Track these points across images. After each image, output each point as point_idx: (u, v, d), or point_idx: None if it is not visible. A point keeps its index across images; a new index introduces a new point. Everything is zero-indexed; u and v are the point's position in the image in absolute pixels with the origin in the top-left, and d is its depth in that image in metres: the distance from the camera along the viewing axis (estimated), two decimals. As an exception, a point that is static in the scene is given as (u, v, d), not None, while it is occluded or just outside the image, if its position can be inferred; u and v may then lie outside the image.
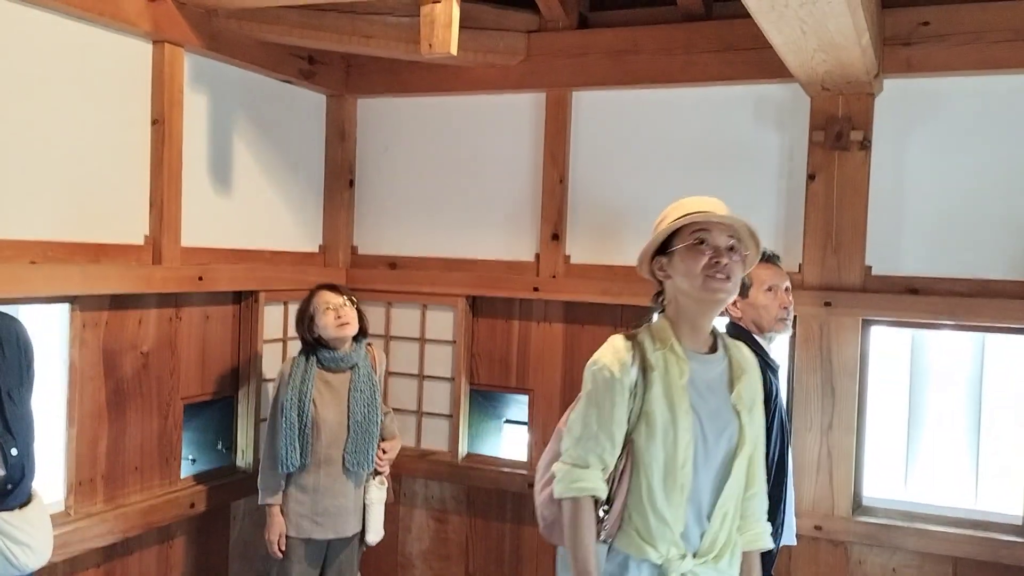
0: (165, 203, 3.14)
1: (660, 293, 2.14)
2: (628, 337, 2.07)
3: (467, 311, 3.93)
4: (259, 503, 3.17)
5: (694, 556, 2.00)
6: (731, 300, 2.07)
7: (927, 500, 3.35)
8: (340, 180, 4.12)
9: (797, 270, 3.36)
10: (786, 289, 2.71)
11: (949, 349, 3.38)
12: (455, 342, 3.96)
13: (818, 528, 3.29)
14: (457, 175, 3.98)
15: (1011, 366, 3.27)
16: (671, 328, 2.06)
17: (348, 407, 3.19)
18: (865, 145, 3.24)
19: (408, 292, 4.02)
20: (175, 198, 3.19)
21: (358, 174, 4.17)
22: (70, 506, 2.91)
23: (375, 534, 3.30)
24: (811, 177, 3.32)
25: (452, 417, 3.98)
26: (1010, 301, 3.06)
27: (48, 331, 2.88)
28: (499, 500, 3.91)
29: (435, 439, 4.02)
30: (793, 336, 3.33)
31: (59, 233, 2.82)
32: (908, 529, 3.22)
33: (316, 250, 4.08)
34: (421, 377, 4.05)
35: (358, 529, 3.26)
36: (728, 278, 1.96)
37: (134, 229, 3.09)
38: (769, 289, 2.67)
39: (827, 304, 3.27)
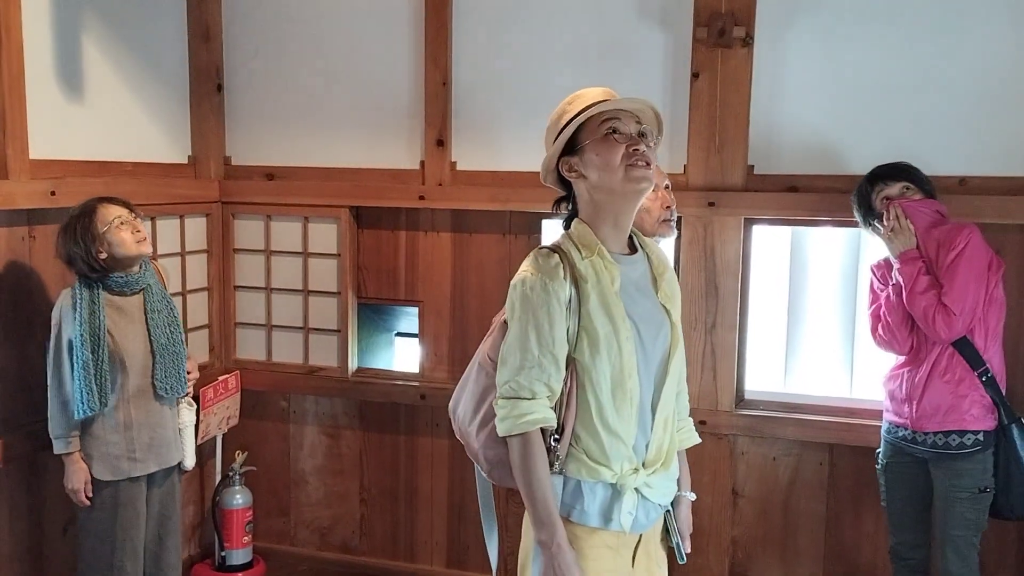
0: (7, 111, 2.87)
1: (563, 199, 2.02)
2: (553, 249, 1.91)
3: (351, 222, 3.80)
4: (55, 453, 2.83)
5: (644, 467, 1.91)
6: (651, 189, 1.97)
7: (805, 391, 3.49)
8: (207, 85, 3.85)
9: (682, 171, 3.36)
10: (667, 187, 2.54)
11: (827, 245, 3.47)
12: (340, 255, 3.83)
13: (703, 423, 3.38)
14: (335, 78, 3.78)
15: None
16: (593, 232, 1.93)
17: (148, 332, 2.89)
18: (747, 42, 3.21)
19: (288, 204, 3.85)
20: (19, 105, 2.91)
21: (227, 78, 3.90)
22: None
23: (191, 459, 3.09)
24: (695, 76, 3.29)
25: (340, 332, 3.88)
26: (884, 196, 3.13)
27: None
28: (392, 413, 3.87)
29: (324, 355, 3.92)
30: (679, 237, 3.35)
31: None
32: (787, 420, 3.35)
33: (185, 161, 3.83)
34: (306, 292, 3.92)
35: (181, 457, 3.04)
36: (648, 165, 1.85)
37: (-27, 141, 2.82)
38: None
39: (711, 204, 3.28)
